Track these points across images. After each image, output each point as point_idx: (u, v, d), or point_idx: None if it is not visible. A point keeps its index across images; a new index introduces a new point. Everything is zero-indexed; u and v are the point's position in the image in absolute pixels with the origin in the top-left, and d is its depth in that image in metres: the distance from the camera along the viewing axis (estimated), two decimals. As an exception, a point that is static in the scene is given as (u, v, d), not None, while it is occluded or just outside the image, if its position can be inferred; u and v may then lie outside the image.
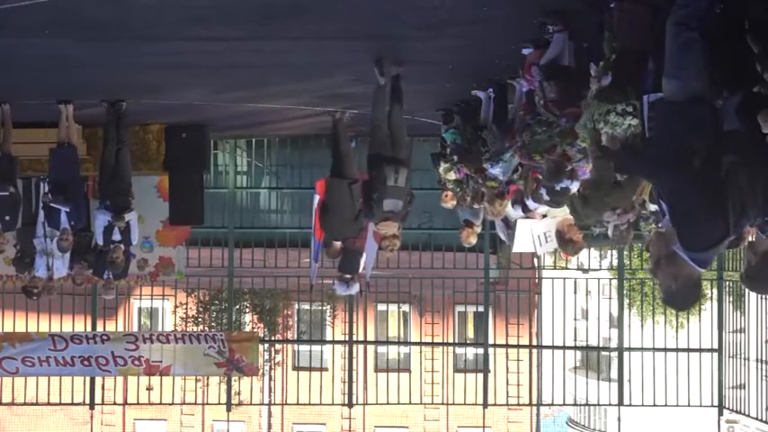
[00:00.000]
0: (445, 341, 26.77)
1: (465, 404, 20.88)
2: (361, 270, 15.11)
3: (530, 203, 10.15)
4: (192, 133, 15.08)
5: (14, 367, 17.44)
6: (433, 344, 26.48)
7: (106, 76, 11.47)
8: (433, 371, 26.89)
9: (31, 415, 28.16)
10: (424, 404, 25.47)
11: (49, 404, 19.68)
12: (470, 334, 28.39)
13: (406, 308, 27.13)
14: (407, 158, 10.84)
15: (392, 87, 10.73)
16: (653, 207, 8.26)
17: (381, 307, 25.69)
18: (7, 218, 13.10)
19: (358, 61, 10.62)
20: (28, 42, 9.72)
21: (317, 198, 15.39)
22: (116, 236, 13.09)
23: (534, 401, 22.42)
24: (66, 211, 12.99)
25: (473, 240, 13.19)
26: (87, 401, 19.52)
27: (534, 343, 22.35)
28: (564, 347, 20.59)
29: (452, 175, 12.99)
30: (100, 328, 19.02)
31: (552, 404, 26.29)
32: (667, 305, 7.75)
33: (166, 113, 14.34)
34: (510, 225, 11.98)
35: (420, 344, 26.63)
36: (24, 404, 20.16)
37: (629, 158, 6.31)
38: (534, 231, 10.88)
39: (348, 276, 13.06)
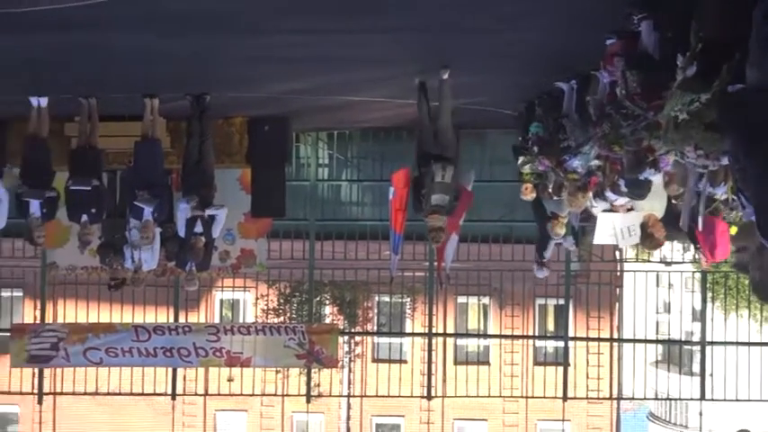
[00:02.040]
0: (525, 334, 26.65)
1: (544, 397, 20.81)
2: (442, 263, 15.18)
3: (609, 195, 10.11)
4: (275, 126, 15.15)
5: (98, 358, 17.66)
6: (512, 336, 26.38)
7: (191, 69, 11.57)
8: (512, 364, 26.84)
9: (115, 405, 28.50)
10: (504, 397, 25.42)
11: (131, 394, 19.90)
12: (551, 327, 28.26)
13: (486, 300, 27.05)
14: (454, 156, 11.41)
15: (439, 87, 11.23)
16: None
17: (461, 299, 25.66)
18: (93, 210, 13.24)
19: (439, 54, 10.64)
20: (113, 37, 9.84)
21: (392, 190, 15.41)
22: (198, 228, 13.18)
23: (615, 395, 22.28)
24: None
25: (560, 232, 13.17)
26: (169, 392, 19.76)
27: (615, 336, 22.21)
28: (645, 341, 20.46)
29: (533, 168, 12.94)
30: (182, 320, 19.22)
31: (633, 398, 26.09)
32: (755, 295, 7.69)
33: (249, 106, 14.43)
34: (586, 217, 11.98)
35: (500, 336, 26.56)
36: (108, 394, 20.47)
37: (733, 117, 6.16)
38: (617, 224, 10.81)
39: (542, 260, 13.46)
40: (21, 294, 25.75)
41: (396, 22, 9.30)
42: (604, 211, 10.95)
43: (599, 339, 21.65)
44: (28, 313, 24.97)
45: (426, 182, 11.29)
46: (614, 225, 10.81)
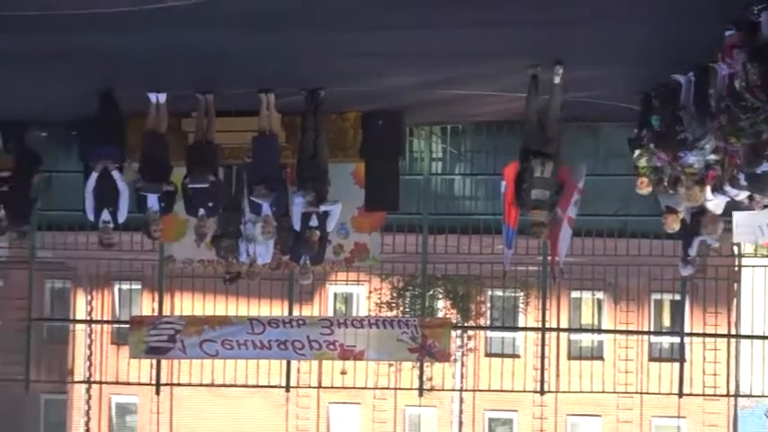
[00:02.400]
0: (640, 329, 26.32)
1: (660, 393, 20.55)
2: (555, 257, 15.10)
3: (729, 190, 9.94)
4: (388, 120, 15.19)
5: (214, 350, 17.90)
6: (627, 332, 26.09)
7: (305, 65, 11.66)
8: (627, 359, 26.52)
9: (230, 396, 28.84)
10: (618, 393, 25.11)
11: (246, 386, 20.17)
12: (666, 322, 27.86)
13: (600, 295, 26.80)
14: (556, 151, 11.53)
15: (551, 82, 11.34)
16: None
17: (575, 294, 25.52)
18: (210, 204, 13.41)
19: (554, 47, 10.57)
20: (229, 33, 9.97)
21: (504, 184, 15.35)
22: (313, 222, 13.25)
23: (732, 392, 21.90)
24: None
25: (677, 227, 13.00)
26: (283, 384, 19.94)
27: (733, 332, 21.82)
28: (764, 337, 20.06)
29: (649, 161, 12.79)
30: (296, 313, 19.37)
31: (751, 395, 25.60)
32: None
33: (363, 101, 14.49)
34: (699, 211, 11.87)
35: (614, 332, 26.28)
36: (223, 386, 20.76)
37: None
38: (756, 221, 10.61)
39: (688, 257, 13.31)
40: (139, 287, 26.28)
41: (508, 15, 9.27)
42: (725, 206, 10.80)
43: (716, 335, 21.31)
44: (146, 306, 25.47)
45: (526, 177, 11.46)
46: (753, 222, 10.62)
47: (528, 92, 11.72)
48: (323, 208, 13.23)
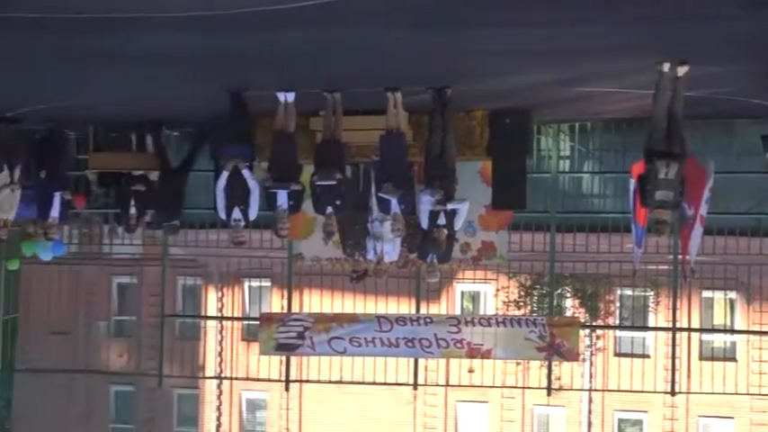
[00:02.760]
0: (774, 330, 25.78)
1: (796, 396, 20.10)
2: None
3: None
4: (515, 118, 15.10)
5: (342, 347, 18.03)
6: (761, 332, 25.57)
7: (433, 63, 11.65)
8: (761, 360, 26.01)
9: (358, 393, 29.06)
10: (752, 395, 24.66)
11: (374, 383, 20.26)
12: (801, 323, 27.26)
13: (732, 295, 26.33)
14: (682, 151, 11.39)
15: (674, 81, 11.15)
16: None
17: (707, 293, 25.08)
18: (338, 202, 13.50)
19: (685, 42, 10.42)
20: (357, 32, 10.02)
21: (633, 182, 15.16)
22: (441, 220, 13.26)
23: None
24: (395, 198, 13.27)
25: None
26: (411, 382, 20.01)
27: None
28: None
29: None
30: (423, 311, 19.41)
31: None
32: None
33: (490, 99, 14.43)
34: None
35: (747, 332, 25.79)
36: (352, 383, 20.90)
37: None
38: None
39: None
40: (269, 284, 26.60)
41: (637, 10, 9.14)
42: None
43: None
44: (275, 303, 25.78)
45: (651, 178, 11.41)
46: None
47: (655, 90, 11.57)
48: (450, 206, 13.22)
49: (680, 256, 17.05)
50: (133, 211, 16.32)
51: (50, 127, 15.84)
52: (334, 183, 13.32)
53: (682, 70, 11.13)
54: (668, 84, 11.26)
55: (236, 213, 13.18)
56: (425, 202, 13.09)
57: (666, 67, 11.07)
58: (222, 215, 13.33)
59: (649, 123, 11.70)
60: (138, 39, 10.13)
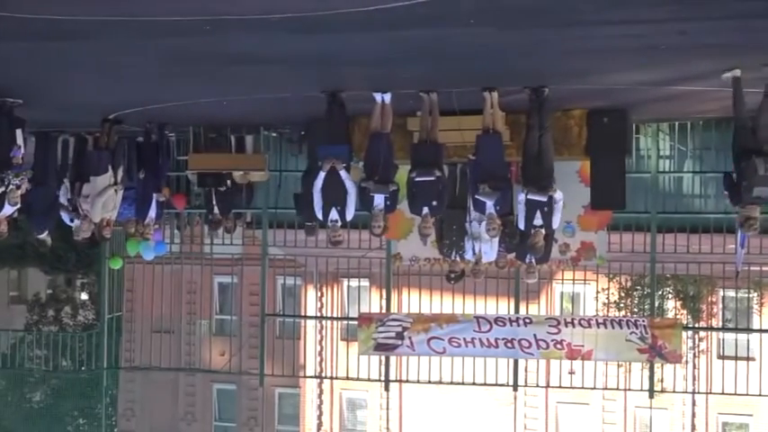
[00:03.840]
0: None
1: None
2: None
3: None
4: (614, 118, 14.95)
5: (442, 347, 18.04)
6: None
7: (529, 62, 11.62)
8: None
9: (457, 394, 29.04)
10: None
11: (474, 384, 20.21)
12: None
13: (842, 296, 25.80)
14: None
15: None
16: None
17: (815, 295, 24.63)
18: (434, 203, 13.48)
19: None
20: (453, 32, 10.03)
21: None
22: (538, 221, 13.17)
23: None
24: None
25: None
26: (511, 383, 19.94)
27: None
28: None
29: None
30: (522, 311, 19.34)
31: None
32: None
33: (588, 98, 14.32)
34: None
35: None
36: (451, 383, 20.87)
37: None
38: None
39: None
40: (367, 284, 26.71)
41: (743, 7, 9.01)
42: None
43: None
44: (374, 302, 25.88)
45: (749, 174, 11.57)
46: None
47: (734, 92, 11.81)
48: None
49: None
50: (216, 210, 16.62)
51: (151, 128, 16.12)
52: (433, 179, 13.30)
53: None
54: (740, 85, 11.53)
55: (334, 214, 13.25)
56: (521, 202, 13.02)
57: (739, 72, 11.45)
58: (319, 215, 13.42)
59: (736, 123, 12.02)
60: (236, 40, 10.28)
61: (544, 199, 12.93)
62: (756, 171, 11.55)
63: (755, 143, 11.68)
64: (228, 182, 17.06)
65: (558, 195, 12.96)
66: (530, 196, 12.95)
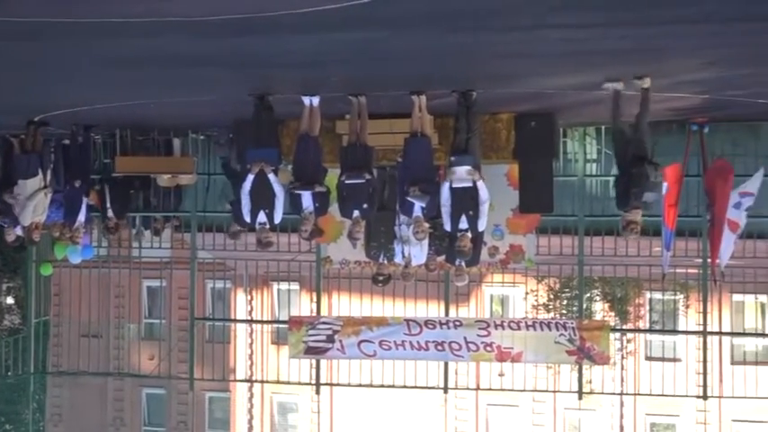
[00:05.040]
0: (807, 334, 25.58)
1: (830, 400, 19.92)
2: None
3: None
4: (541, 121, 15.03)
5: (372, 350, 18.06)
6: (793, 336, 25.43)
7: (457, 66, 11.64)
8: (793, 364, 25.84)
9: (388, 397, 29.03)
10: (784, 398, 24.47)
11: (404, 387, 20.25)
12: (834, 327, 27.06)
13: (763, 299, 26.16)
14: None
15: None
16: None
17: (737, 297, 24.91)
18: (365, 206, 13.50)
19: (715, 45, 10.37)
20: (382, 36, 10.03)
21: (664, 186, 15.11)
22: (463, 224, 13.18)
23: None
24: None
25: None
26: (441, 386, 19.99)
27: None
28: None
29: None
30: (452, 314, 19.40)
31: None
32: None
33: (516, 102, 14.39)
34: None
35: (778, 336, 25.65)
36: (382, 386, 20.87)
37: None
38: None
39: None
40: (297, 287, 26.63)
41: (665, 13, 9.10)
42: None
43: None
44: (304, 306, 25.79)
45: (641, 181, 12.39)
46: None
47: (613, 102, 12.49)
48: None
49: (709, 260, 16.96)
50: (110, 214, 16.54)
51: (77, 131, 15.96)
52: (362, 181, 13.32)
53: (644, 83, 12.07)
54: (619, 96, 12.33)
55: (262, 216, 13.22)
56: (445, 203, 13.03)
57: (621, 85, 12.16)
58: (247, 218, 13.39)
59: (613, 132, 13.16)
60: (164, 43, 10.18)
61: (470, 184, 12.95)
62: (648, 178, 12.36)
63: (638, 150, 12.47)
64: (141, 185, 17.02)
65: (484, 195, 12.97)
66: (455, 185, 12.96)
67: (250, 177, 13.23)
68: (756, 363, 21.53)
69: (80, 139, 16.04)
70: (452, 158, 13.10)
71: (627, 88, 12.35)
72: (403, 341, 17.88)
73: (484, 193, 12.95)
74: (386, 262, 15.14)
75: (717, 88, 13.00)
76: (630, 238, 13.43)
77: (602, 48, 10.63)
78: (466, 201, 12.95)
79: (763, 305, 26.77)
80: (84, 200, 15.94)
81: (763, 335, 26.50)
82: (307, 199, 13.21)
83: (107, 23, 9.18)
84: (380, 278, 15.31)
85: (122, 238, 21.13)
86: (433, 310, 19.82)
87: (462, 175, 12.90)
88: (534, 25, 9.62)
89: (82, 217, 15.93)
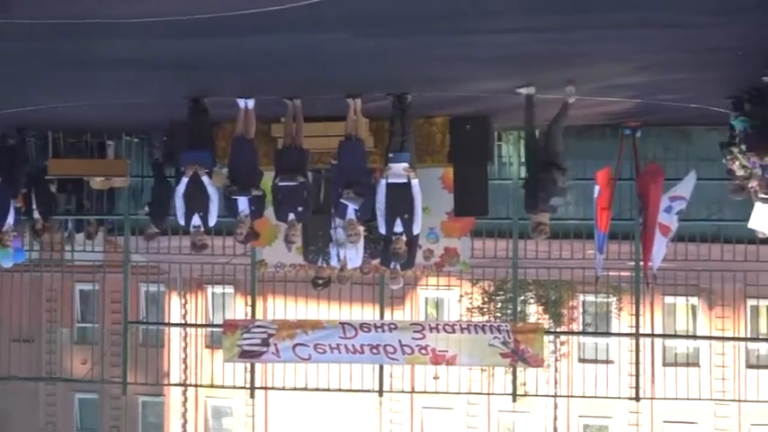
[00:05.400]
0: (736, 336, 25.89)
1: (758, 401, 20.20)
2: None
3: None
4: (477, 125, 15.09)
5: (307, 354, 17.99)
6: (723, 338, 25.72)
7: (392, 69, 11.67)
8: (723, 366, 26.15)
9: (323, 400, 29.00)
10: (715, 400, 24.80)
11: (339, 390, 20.23)
12: (763, 329, 27.43)
13: (694, 301, 26.49)
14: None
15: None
16: None
17: (669, 300, 25.20)
18: (300, 209, 13.48)
19: (646, 50, 10.48)
20: (318, 39, 10.03)
21: (597, 189, 15.25)
22: (398, 227, 13.21)
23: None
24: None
25: None
26: (376, 389, 20.00)
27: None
28: None
29: (742, 165, 12.61)
30: (387, 317, 19.41)
31: None
32: None
33: (451, 105, 14.43)
34: None
35: (709, 338, 25.92)
36: (316, 390, 20.82)
37: None
38: None
39: None
40: (232, 291, 26.51)
41: (598, 19, 9.19)
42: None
43: (815, 342, 20.91)
44: (239, 309, 25.70)
45: (548, 186, 12.84)
46: None
47: (526, 107, 12.83)
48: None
49: (641, 263, 17.12)
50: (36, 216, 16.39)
51: (7, 133, 15.77)
52: (296, 184, 13.30)
53: (573, 98, 12.49)
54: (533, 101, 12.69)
55: (196, 219, 13.13)
56: (379, 201, 13.05)
57: (533, 90, 12.53)
58: (181, 221, 13.29)
59: (526, 137, 13.58)
60: (97, 44, 10.10)
61: (404, 180, 12.98)
62: (555, 183, 12.82)
63: (548, 155, 12.90)
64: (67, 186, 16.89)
65: (418, 194, 13.03)
66: (390, 180, 12.99)
67: (184, 180, 13.14)
68: (687, 364, 21.77)
69: (11, 141, 15.86)
70: (390, 155, 13.14)
71: (543, 93, 12.52)
72: (338, 344, 17.84)
73: (418, 191, 13.00)
74: (324, 265, 15.13)
75: (649, 93, 13.15)
76: (540, 239, 13.83)
77: (533, 52, 10.71)
78: (400, 201, 12.99)
79: (694, 307, 27.12)
80: (12, 202, 15.74)
81: (694, 337, 26.80)
82: (242, 202, 13.15)
83: (40, 25, 9.09)
84: (320, 281, 15.29)
85: (55, 242, 20.91)
86: (369, 313, 19.84)
87: (399, 170, 12.96)
88: (467, 29, 9.66)
89: (11, 220, 15.72)
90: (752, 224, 12.91)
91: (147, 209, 16.34)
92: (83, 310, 31.38)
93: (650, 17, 9.14)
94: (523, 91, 12.54)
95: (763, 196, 12.04)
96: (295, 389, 20.98)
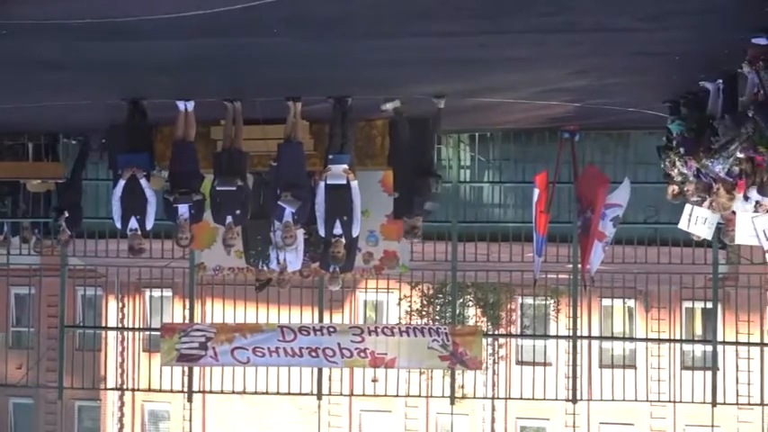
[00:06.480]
0: (672, 338, 26.16)
1: (693, 402, 20.38)
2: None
3: (754, 196, 9.89)
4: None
5: (246, 357, 17.94)
6: (659, 340, 25.98)
7: (333, 72, 11.67)
8: (659, 367, 26.40)
9: (261, 404, 28.94)
10: (651, 401, 25.00)
11: (278, 393, 20.16)
12: (698, 330, 27.72)
13: (631, 303, 26.72)
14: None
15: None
16: None
17: (606, 302, 25.42)
18: (237, 212, 13.44)
19: (582, 54, 10.55)
20: (256, 41, 10.00)
21: (536, 192, 15.35)
22: (337, 230, 13.20)
23: (765, 401, 21.72)
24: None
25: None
26: (315, 392, 19.96)
27: (765, 341, 21.63)
28: (797, 345, 19.88)
29: (677, 169, 12.73)
30: (326, 320, 19.39)
31: (784, 404, 25.40)
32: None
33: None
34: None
35: (646, 340, 26.18)
36: (255, 393, 20.78)
37: None
38: (758, 226, 10.58)
39: None
40: (170, 294, 26.32)
41: (539, 22, 9.24)
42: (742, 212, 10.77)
43: (749, 344, 21.14)
44: (177, 313, 25.53)
45: (423, 191, 13.77)
46: (755, 226, 10.61)
47: (397, 119, 13.72)
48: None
49: (579, 265, 17.25)
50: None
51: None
52: (234, 189, 13.26)
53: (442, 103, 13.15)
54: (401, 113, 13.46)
55: (133, 223, 13.06)
56: (319, 202, 13.04)
57: (399, 103, 13.29)
58: (118, 224, 13.21)
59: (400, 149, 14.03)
60: (34, 45, 9.99)
61: (344, 182, 13.00)
62: (430, 189, 13.74)
63: (426, 163, 13.85)
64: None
65: (357, 196, 13.03)
66: (329, 181, 12.98)
67: (121, 183, 13.06)
68: (624, 366, 21.89)
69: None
70: (330, 156, 13.13)
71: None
72: (277, 348, 17.80)
73: (357, 193, 13.00)
74: (265, 269, 15.09)
75: (587, 97, 13.25)
76: (414, 241, 14.76)
77: (464, 56, 10.74)
78: (339, 202, 12.98)
79: (630, 309, 27.35)
80: None
81: (630, 339, 27.02)
82: (182, 206, 13.08)
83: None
84: (260, 283, 15.25)
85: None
86: (308, 316, 19.78)
87: (338, 172, 12.96)
88: (399, 33, 9.69)
89: None
90: (681, 225, 13.18)
91: (56, 215, 16.06)
92: (18, 314, 31.04)
93: (580, 21, 9.21)
94: (389, 106, 13.38)
95: (696, 199, 12.17)
96: (233, 392, 20.89)
